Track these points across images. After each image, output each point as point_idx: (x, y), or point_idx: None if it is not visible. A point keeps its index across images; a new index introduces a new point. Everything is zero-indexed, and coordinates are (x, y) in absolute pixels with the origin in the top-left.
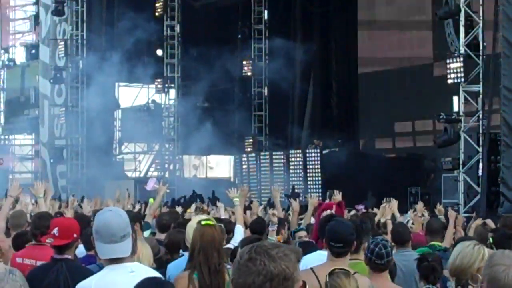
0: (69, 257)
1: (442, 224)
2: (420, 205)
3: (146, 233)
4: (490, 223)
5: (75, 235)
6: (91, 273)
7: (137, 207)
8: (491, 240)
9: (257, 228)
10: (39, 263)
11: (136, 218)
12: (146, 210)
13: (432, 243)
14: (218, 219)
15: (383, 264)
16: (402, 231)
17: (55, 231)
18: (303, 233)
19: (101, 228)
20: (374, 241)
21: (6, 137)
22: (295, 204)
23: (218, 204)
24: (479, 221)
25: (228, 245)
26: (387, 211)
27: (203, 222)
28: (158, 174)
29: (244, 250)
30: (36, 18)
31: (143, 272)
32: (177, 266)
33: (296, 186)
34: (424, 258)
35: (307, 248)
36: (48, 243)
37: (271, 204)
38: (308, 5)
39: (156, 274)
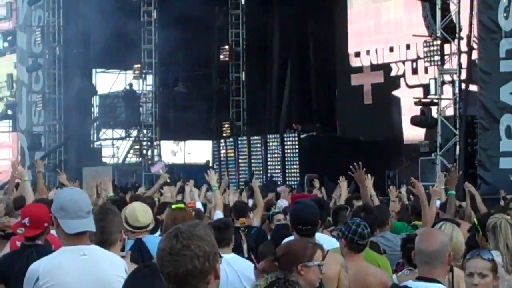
0: (40, 242)
1: None
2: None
3: None
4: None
5: (46, 224)
6: None
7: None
8: (475, 221)
9: (243, 210)
10: None
11: None
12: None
13: (414, 222)
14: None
15: (363, 245)
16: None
17: (26, 221)
18: (280, 216)
19: (67, 204)
20: (354, 221)
21: None
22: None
23: (192, 189)
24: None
25: None
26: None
27: (173, 206)
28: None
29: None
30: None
31: (98, 255)
32: (155, 243)
33: (273, 171)
34: (410, 239)
35: (286, 230)
36: (19, 233)
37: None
38: None
39: (114, 256)
